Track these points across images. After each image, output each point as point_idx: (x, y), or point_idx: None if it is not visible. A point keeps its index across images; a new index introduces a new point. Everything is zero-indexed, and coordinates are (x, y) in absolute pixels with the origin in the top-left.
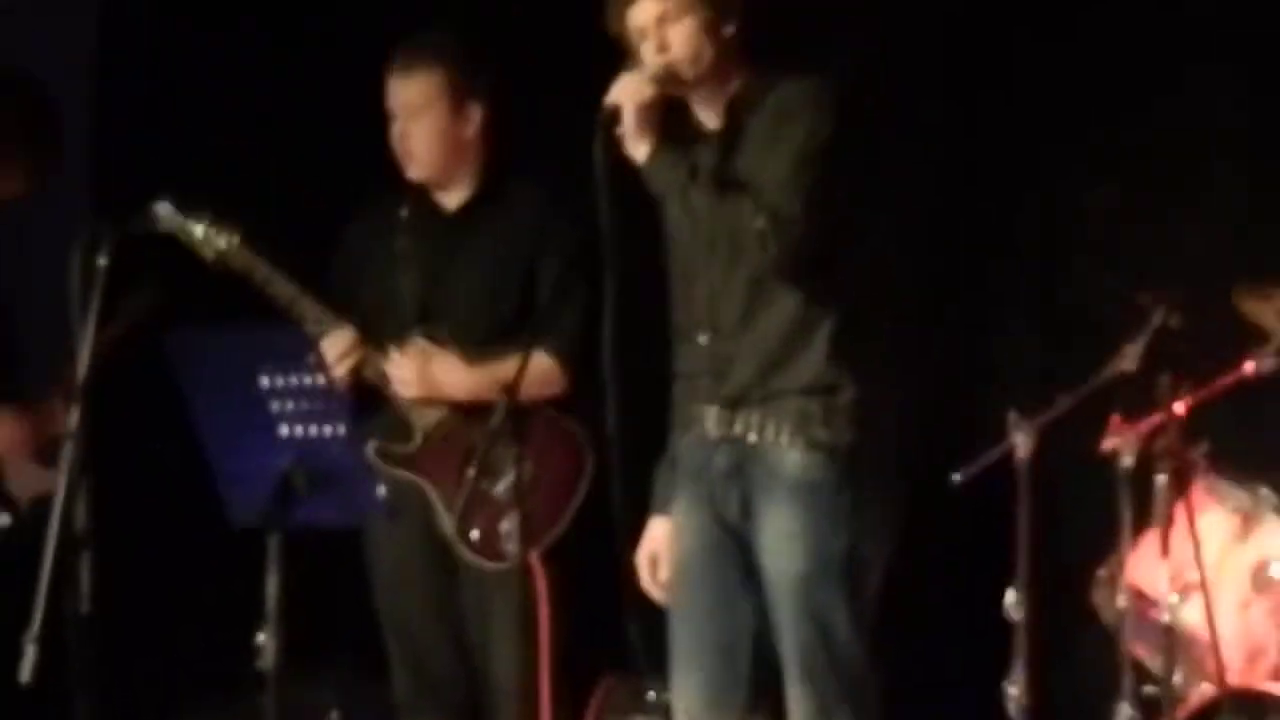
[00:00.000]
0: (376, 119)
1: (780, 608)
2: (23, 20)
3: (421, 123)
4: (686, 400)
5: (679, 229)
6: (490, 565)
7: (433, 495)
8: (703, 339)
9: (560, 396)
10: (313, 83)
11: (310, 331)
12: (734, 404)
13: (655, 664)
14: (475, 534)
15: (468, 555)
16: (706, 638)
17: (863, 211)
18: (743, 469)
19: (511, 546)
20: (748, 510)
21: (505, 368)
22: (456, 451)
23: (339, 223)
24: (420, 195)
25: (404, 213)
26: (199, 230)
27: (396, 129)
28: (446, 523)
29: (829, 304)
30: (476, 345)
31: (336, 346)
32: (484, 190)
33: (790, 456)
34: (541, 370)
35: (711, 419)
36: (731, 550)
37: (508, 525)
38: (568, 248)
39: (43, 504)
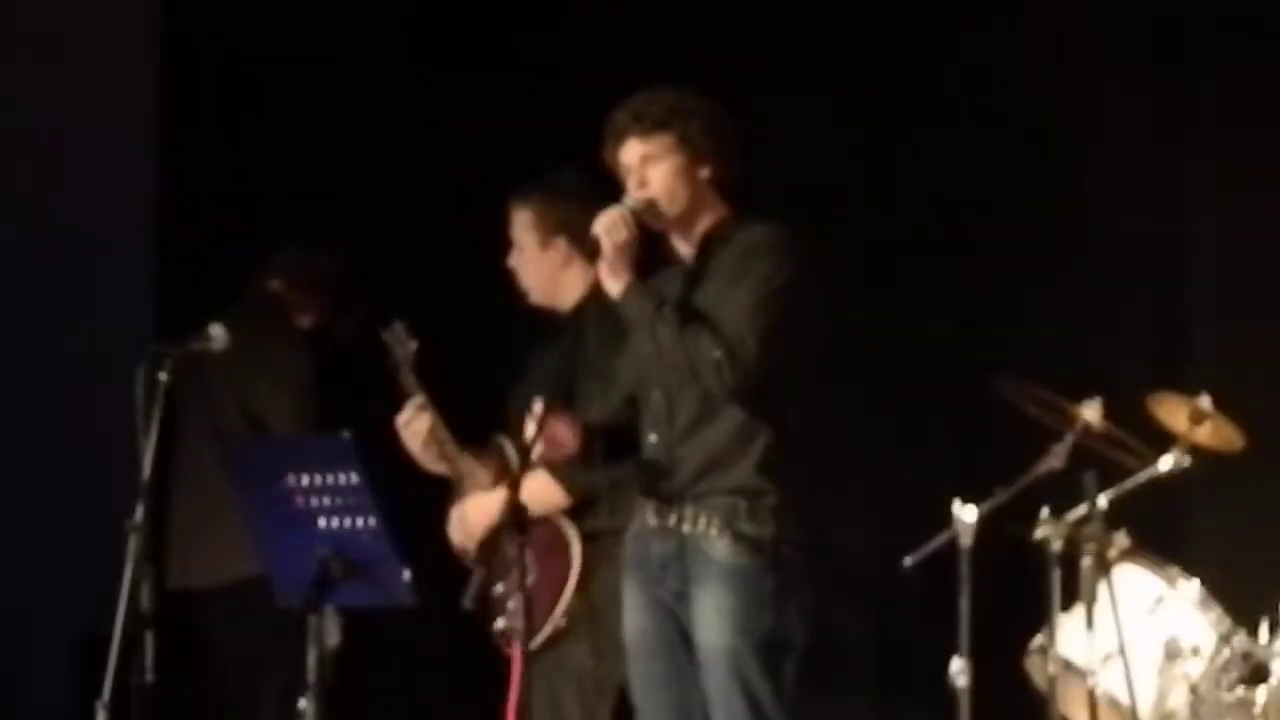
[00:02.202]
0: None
1: (712, 679)
2: (87, 155)
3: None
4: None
5: (642, 346)
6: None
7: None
8: (653, 438)
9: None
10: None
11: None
12: (672, 499)
13: None
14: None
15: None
16: (664, 702)
17: (804, 347)
18: (678, 557)
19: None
20: (683, 594)
21: None
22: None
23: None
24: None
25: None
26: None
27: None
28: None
29: (764, 423)
30: None
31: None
32: None
33: (720, 545)
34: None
35: (650, 512)
36: (673, 628)
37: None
38: None
39: None
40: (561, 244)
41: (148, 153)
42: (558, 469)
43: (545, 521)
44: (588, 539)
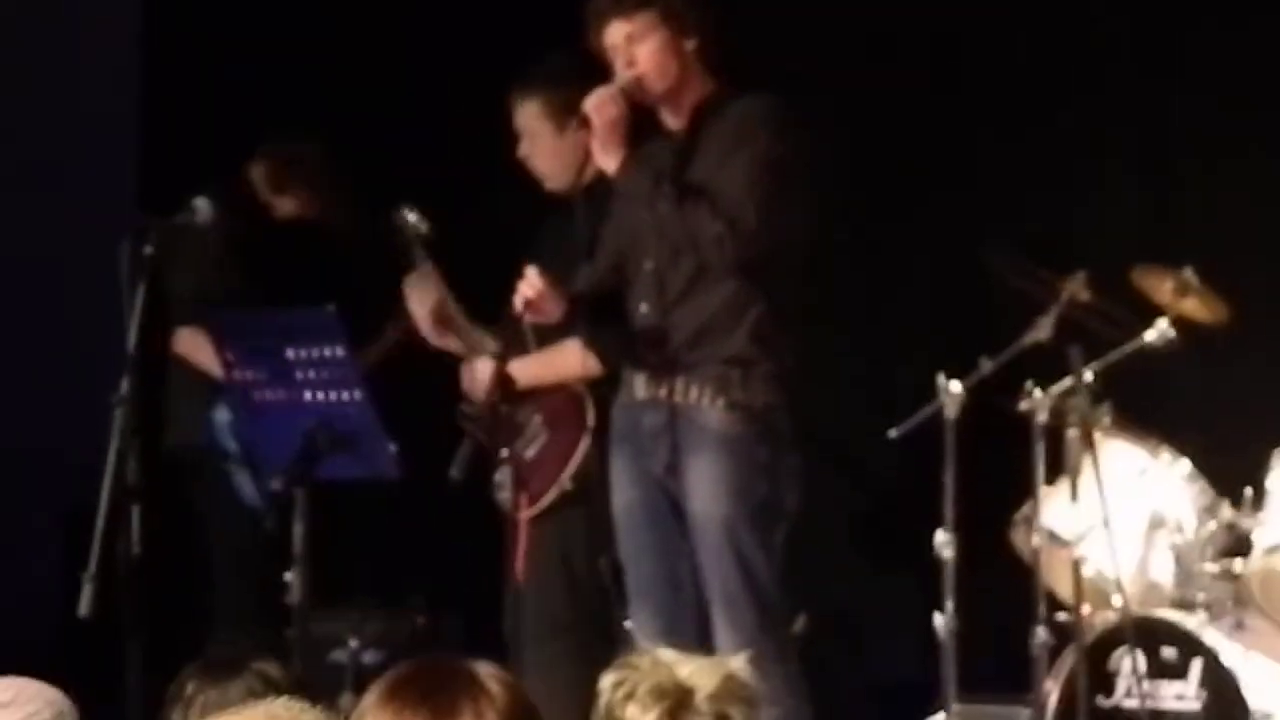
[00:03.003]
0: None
1: (705, 548)
2: (68, 23)
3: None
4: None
5: (639, 220)
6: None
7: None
8: (644, 308)
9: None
10: (353, 86)
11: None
12: (661, 369)
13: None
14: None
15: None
16: (655, 574)
17: (801, 219)
18: (669, 427)
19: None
20: (674, 464)
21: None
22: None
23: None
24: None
25: None
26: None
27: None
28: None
29: (757, 295)
30: None
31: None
32: None
33: (713, 414)
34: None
35: (640, 383)
36: (663, 500)
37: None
38: None
39: None
40: (576, 125)
41: (131, 40)
42: (595, 341)
43: (563, 388)
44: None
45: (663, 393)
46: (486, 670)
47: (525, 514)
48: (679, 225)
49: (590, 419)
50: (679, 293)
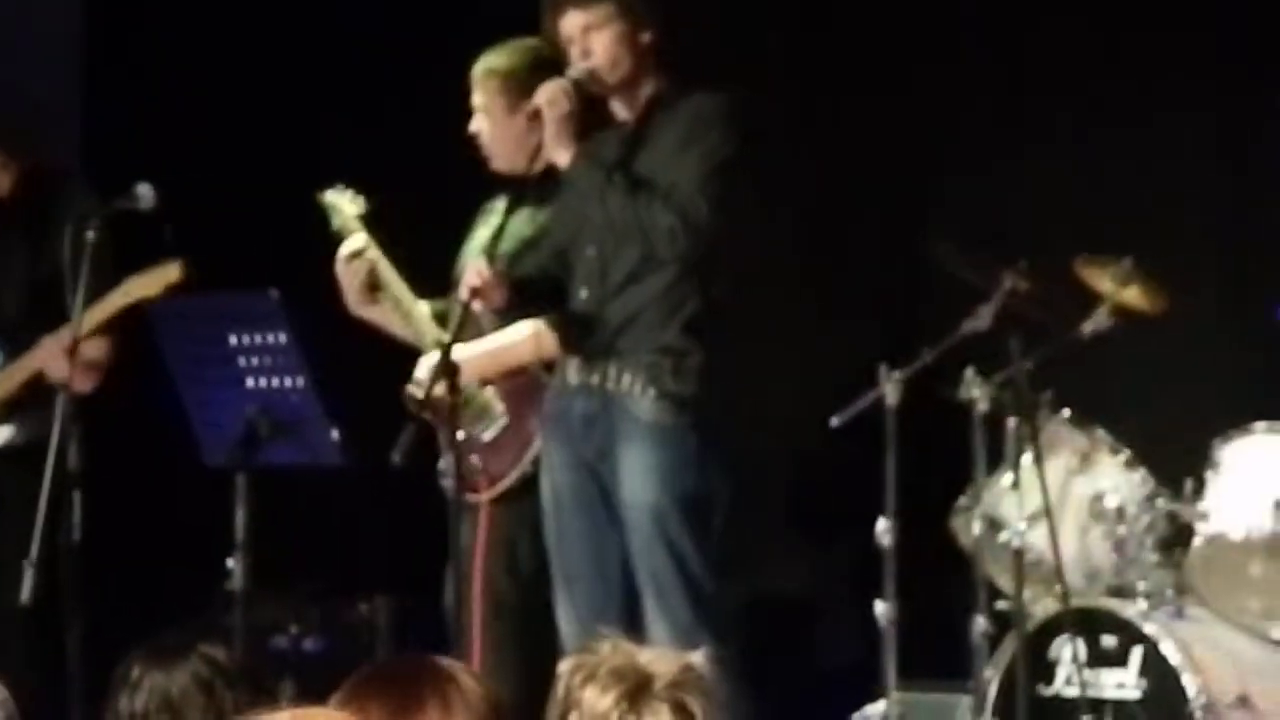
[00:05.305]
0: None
1: (636, 536)
2: (8, 11)
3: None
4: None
5: (585, 208)
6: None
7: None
8: (583, 293)
9: None
10: (296, 69)
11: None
12: (595, 356)
13: None
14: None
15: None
16: (581, 561)
17: (745, 215)
18: (602, 414)
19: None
20: (605, 451)
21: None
22: None
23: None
24: None
25: None
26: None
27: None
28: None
29: (694, 288)
30: None
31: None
32: None
33: (644, 402)
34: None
35: (573, 369)
36: (593, 486)
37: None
38: None
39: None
40: (529, 108)
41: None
42: (555, 322)
43: (524, 371)
44: None
45: (595, 380)
46: (455, 666)
47: (485, 495)
48: (630, 216)
49: None
50: (619, 282)
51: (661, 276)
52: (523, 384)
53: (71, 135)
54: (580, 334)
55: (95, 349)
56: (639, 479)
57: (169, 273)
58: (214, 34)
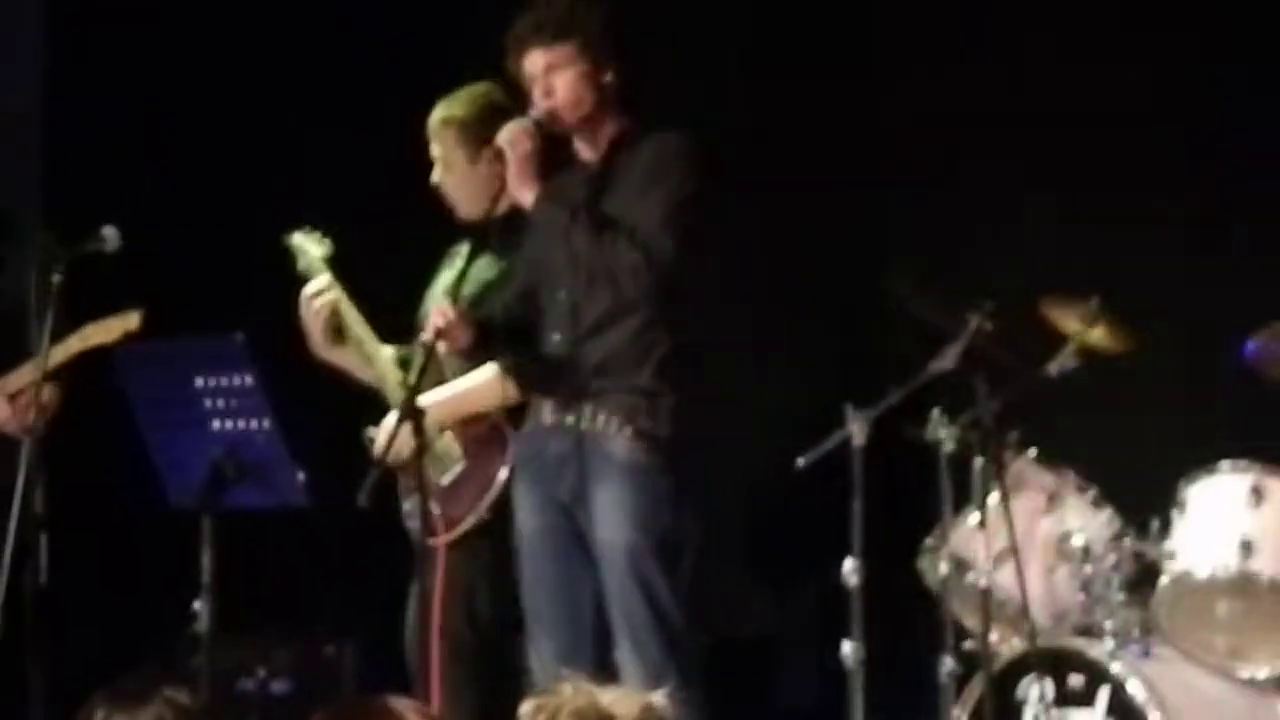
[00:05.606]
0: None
1: (609, 575)
2: None
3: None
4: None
5: (552, 251)
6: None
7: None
8: (556, 336)
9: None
10: (260, 112)
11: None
12: (570, 397)
13: None
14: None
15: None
16: (553, 604)
17: (706, 255)
18: (576, 454)
19: (413, 524)
20: (579, 491)
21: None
22: None
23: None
24: None
25: None
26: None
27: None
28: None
29: (664, 331)
30: None
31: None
32: None
33: (619, 442)
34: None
35: (547, 409)
36: (566, 527)
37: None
38: None
39: None
40: (491, 155)
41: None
42: (513, 367)
43: (484, 416)
44: None
45: (570, 419)
46: (408, 706)
47: (442, 540)
48: (596, 256)
49: (510, 451)
50: (590, 326)
51: (633, 320)
52: (482, 429)
53: (32, 184)
54: (554, 377)
55: (45, 392)
56: (614, 518)
57: (129, 321)
58: (177, 78)
